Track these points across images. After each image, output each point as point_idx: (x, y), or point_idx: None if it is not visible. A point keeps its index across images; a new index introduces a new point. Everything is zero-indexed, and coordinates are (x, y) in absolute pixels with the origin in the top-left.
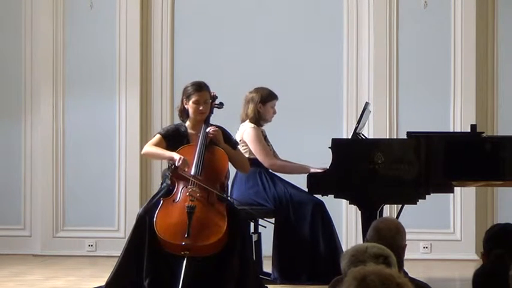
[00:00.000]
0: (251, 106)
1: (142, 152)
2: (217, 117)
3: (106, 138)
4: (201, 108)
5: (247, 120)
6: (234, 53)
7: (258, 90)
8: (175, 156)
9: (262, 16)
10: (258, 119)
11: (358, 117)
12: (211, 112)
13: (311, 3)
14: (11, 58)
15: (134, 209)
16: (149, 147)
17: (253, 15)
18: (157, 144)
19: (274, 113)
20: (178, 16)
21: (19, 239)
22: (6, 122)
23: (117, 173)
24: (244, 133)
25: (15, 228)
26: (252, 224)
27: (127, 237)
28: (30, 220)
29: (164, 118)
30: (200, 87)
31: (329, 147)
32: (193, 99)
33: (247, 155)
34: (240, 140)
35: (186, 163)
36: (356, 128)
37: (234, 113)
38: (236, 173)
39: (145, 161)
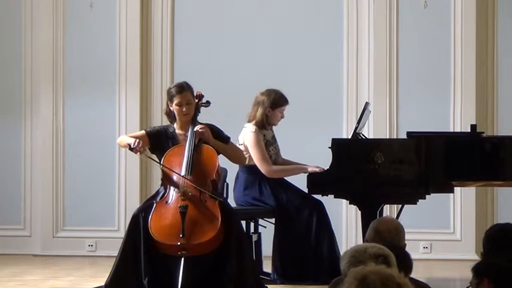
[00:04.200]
0: (260, 110)
1: (117, 141)
2: (218, 117)
3: (106, 138)
4: (184, 110)
5: (252, 123)
6: (234, 53)
7: (270, 93)
8: (130, 140)
9: (262, 16)
10: (265, 123)
11: (358, 117)
12: (198, 111)
13: (311, 3)
14: (11, 58)
15: (134, 209)
16: (122, 136)
17: (253, 15)
18: (136, 137)
19: (282, 117)
20: (178, 16)
21: (19, 239)
22: (6, 122)
23: (117, 173)
24: (245, 137)
25: (15, 228)
26: (252, 224)
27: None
28: (30, 220)
29: (164, 118)
30: (181, 88)
31: (329, 147)
32: (175, 101)
33: (248, 161)
34: (242, 144)
35: (141, 144)
36: (356, 128)
37: (235, 113)
38: (236, 178)
39: (145, 161)
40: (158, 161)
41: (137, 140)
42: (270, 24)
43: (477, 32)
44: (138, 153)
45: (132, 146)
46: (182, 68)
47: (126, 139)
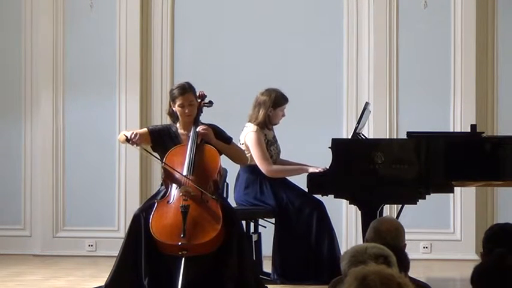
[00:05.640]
0: (262, 110)
1: (117, 138)
2: (218, 117)
3: (106, 138)
4: (186, 111)
5: (254, 123)
6: (234, 53)
7: (270, 93)
8: (128, 133)
9: (262, 16)
10: (267, 123)
11: (358, 117)
12: (200, 111)
13: (311, 3)
14: (11, 58)
15: (134, 209)
16: (123, 131)
17: (253, 15)
18: (139, 136)
19: (283, 115)
20: (178, 16)
21: (19, 239)
22: (6, 122)
23: (117, 173)
24: (246, 137)
25: (15, 228)
26: (252, 224)
27: (124, 237)
28: (30, 220)
29: (164, 118)
30: (183, 90)
31: (329, 147)
32: (178, 102)
33: (249, 161)
34: (243, 144)
35: (138, 136)
36: (356, 128)
37: (234, 113)
38: (237, 178)
39: (145, 161)
40: (158, 157)
41: (134, 132)
42: (270, 24)
43: (477, 32)
44: (135, 145)
45: (129, 138)
46: (182, 68)
47: (125, 132)
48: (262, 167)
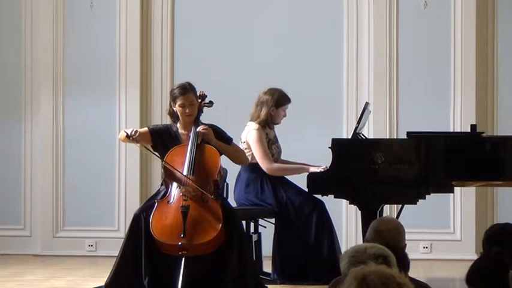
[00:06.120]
0: (264, 109)
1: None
2: (218, 117)
3: (106, 139)
4: (187, 111)
5: (255, 121)
6: (234, 53)
7: (273, 92)
8: (128, 130)
9: (262, 16)
10: (269, 122)
11: (358, 117)
12: (200, 112)
13: (311, 3)
14: (11, 58)
15: (134, 209)
16: (124, 129)
17: (254, 15)
18: (140, 133)
19: (285, 115)
20: (178, 16)
21: (19, 239)
22: (6, 122)
23: (117, 173)
24: (248, 135)
25: (15, 228)
26: (252, 224)
27: (124, 237)
28: (30, 220)
29: (164, 118)
30: (184, 89)
31: (329, 147)
32: (178, 102)
33: (250, 159)
34: (244, 142)
35: (138, 133)
36: (356, 128)
37: (235, 113)
38: (237, 177)
39: (145, 160)
40: (159, 155)
41: (135, 129)
42: (270, 24)
43: (477, 32)
44: (135, 142)
45: (129, 134)
46: (182, 68)
47: (125, 129)
48: (263, 164)
